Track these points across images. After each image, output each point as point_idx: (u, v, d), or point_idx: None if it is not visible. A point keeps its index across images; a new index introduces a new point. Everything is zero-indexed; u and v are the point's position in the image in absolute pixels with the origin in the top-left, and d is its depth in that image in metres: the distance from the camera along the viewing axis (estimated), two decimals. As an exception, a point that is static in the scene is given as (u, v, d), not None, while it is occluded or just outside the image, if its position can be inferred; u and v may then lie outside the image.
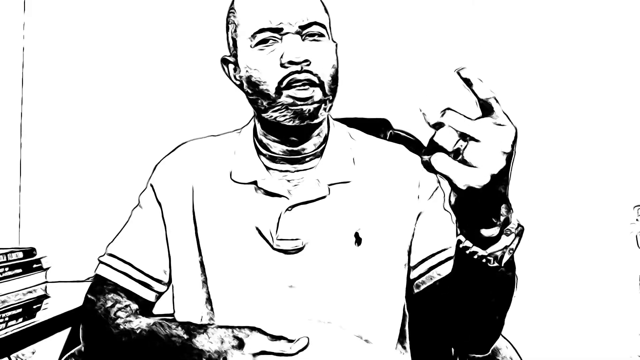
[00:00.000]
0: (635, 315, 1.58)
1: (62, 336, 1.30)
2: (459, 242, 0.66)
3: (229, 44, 0.87)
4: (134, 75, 1.63)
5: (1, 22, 1.65)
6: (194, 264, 0.87)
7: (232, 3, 0.86)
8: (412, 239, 0.87)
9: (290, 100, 0.79)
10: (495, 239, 0.64)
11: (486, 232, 0.63)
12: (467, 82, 0.59)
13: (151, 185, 0.92)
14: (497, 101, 0.58)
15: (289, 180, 0.87)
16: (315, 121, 0.82)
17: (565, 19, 1.61)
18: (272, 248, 0.83)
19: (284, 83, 0.79)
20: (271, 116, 0.82)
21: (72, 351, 0.96)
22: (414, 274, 0.87)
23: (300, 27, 0.80)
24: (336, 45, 0.89)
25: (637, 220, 1.57)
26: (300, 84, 0.79)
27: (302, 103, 0.79)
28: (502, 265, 0.65)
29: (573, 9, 1.61)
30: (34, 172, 1.64)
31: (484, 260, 0.65)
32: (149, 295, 0.89)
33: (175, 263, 0.88)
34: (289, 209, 0.84)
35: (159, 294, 0.91)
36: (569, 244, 1.59)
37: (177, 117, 1.60)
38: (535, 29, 1.61)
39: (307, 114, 0.80)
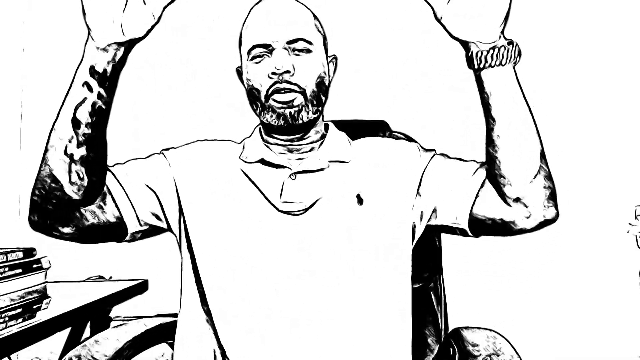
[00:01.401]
0: (635, 316, 1.58)
1: (62, 336, 1.30)
2: (470, 53, 0.87)
3: (240, 57, 1.02)
4: (134, 76, 1.63)
5: (1, 23, 1.65)
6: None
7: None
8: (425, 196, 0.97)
9: (275, 104, 0.94)
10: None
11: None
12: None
13: (163, 154, 1.02)
14: None
15: (292, 160, 0.99)
16: (299, 122, 0.95)
17: (565, 18, 1.61)
18: (278, 210, 0.94)
19: (270, 90, 0.94)
20: (264, 118, 0.96)
21: (72, 351, 0.96)
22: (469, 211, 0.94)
23: (287, 42, 0.94)
24: (334, 58, 1.02)
25: (637, 220, 1.57)
26: (282, 90, 0.93)
27: (283, 106, 0.93)
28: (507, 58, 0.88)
29: (573, 8, 1.61)
30: (33, 172, 1.64)
31: (490, 62, 0.86)
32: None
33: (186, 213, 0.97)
34: (292, 176, 0.96)
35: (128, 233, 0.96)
36: (569, 244, 1.59)
37: (179, 120, 1.60)
38: (535, 28, 1.61)
39: (289, 116, 0.94)
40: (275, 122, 0.94)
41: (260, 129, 1.03)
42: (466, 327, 1.05)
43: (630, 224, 1.58)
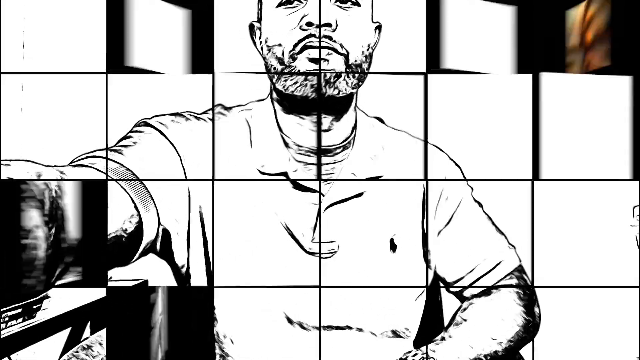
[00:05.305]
0: (635, 317, 1.57)
1: (62, 336, 1.30)
2: None
3: (257, 7, 0.80)
4: (133, 74, 1.63)
5: (1, 21, 1.65)
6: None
7: None
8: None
9: (304, 65, 0.71)
10: None
11: None
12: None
13: (158, 129, 0.85)
14: None
15: (320, 173, 0.79)
16: (334, 91, 0.73)
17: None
18: (304, 250, 0.75)
19: (299, 47, 0.72)
20: (283, 85, 0.74)
21: (72, 350, 0.96)
22: (454, 288, 0.87)
23: None
24: (379, 25, 0.84)
25: (637, 220, 1.57)
26: (317, 47, 0.71)
27: (315, 67, 0.71)
28: None
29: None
30: (34, 172, 1.64)
31: None
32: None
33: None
34: (326, 209, 0.76)
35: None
36: (569, 244, 1.58)
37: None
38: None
39: (324, 80, 0.71)
40: (299, 90, 0.72)
41: (273, 104, 0.78)
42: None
43: (631, 225, 1.58)
